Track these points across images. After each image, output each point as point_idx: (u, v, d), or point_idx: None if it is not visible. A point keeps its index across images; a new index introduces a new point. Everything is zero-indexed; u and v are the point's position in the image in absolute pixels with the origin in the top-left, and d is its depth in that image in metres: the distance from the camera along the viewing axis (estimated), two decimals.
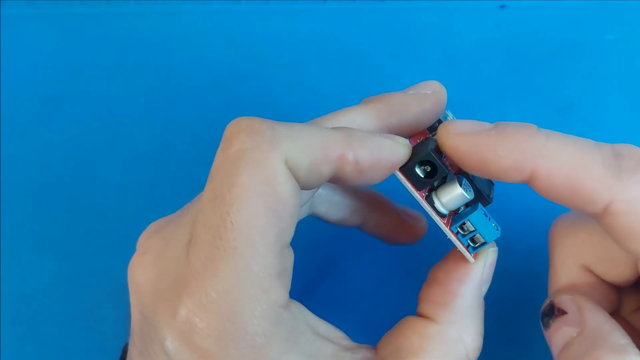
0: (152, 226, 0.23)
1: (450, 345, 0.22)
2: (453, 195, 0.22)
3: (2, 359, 0.32)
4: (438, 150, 0.22)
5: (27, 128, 0.35)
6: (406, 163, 0.22)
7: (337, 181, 0.21)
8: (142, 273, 0.21)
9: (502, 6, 0.35)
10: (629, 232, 0.20)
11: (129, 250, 0.28)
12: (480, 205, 0.22)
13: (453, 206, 0.22)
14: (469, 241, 0.23)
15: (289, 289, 0.21)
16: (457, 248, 0.23)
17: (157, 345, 0.20)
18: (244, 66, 0.36)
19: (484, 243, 0.22)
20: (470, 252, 0.23)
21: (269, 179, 0.19)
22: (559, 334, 0.22)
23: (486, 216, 0.22)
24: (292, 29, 0.36)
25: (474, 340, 0.23)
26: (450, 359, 0.22)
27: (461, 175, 0.23)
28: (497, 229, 0.22)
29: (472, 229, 0.22)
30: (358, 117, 0.23)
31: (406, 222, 0.29)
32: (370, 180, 0.21)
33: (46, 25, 0.37)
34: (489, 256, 0.23)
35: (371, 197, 0.28)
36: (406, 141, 0.22)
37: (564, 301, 0.23)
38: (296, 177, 0.20)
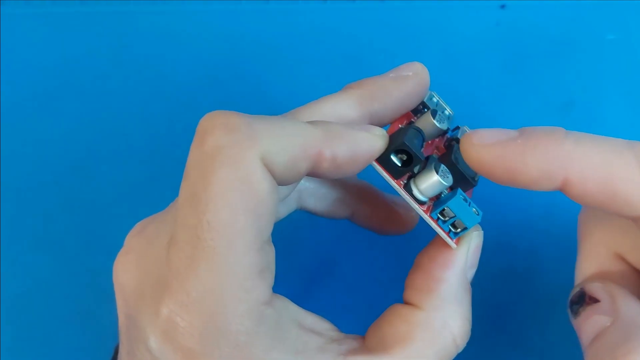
0: (138, 225, 0.23)
1: (436, 331, 0.22)
2: (430, 182, 0.22)
3: (2, 359, 0.32)
4: (416, 136, 0.22)
5: (27, 127, 0.35)
6: (383, 152, 0.22)
7: (314, 175, 0.21)
8: (125, 273, 0.22)
9: (502, 6, 0.35)
10: None
11: None
12: (459, 190, 0.22)
13: (431, 193, 0.22)
14: (450, 227, 0.22)
15: (272, 284, 0.21)
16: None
17: (141, 344, 0.20)
18: (243, 65, 0.36)
19: (465, 228, 0.22)
20: (452, 238, 0.22)
21: (246, 177, 0.19)
22: (589, 323, 0.22)
23: (466, 201, 0.22)
24: (292, 29, 0.36)
25: (460, 325, 0.22)
26: (437, 345, 0.22)
27: (441, 161, 0.23)
28: (478, 214, 0.22)
29: (452, 214, 0.22)
30: (339, 105, 0.23)
31: (396, 212, 0.28)
32: (347, 173, 0.21)
33: (46, 24, 0.37)
34: (473, 240, 0.23)
35: (360, 189, 0.28)
36: (383, 132, 0.22)
37: (595, 289, 0.22)
38: (273, 174, 0.20)
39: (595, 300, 0.22)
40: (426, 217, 0.22)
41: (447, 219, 0.22)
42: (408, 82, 0.23)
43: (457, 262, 0.22)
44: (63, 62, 0.36)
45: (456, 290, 0.22)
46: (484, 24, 0.35)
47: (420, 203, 0.22)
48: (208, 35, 0.36)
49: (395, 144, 0.21)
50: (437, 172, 0.22)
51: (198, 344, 0.19)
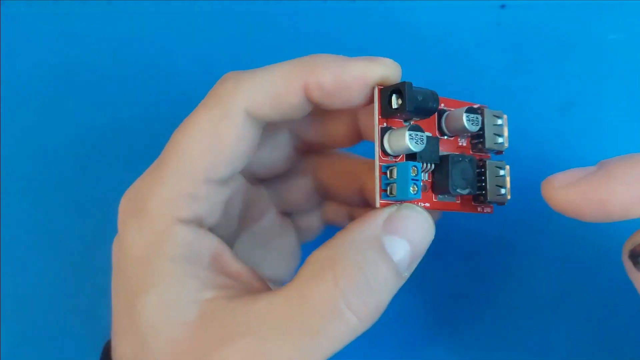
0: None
1: (319, 278, 0.20)
2: (398, 136, 0.21)
3: (2, 359, 0.32)
4: (429, 98, 0.21)
5: (27, 127, 0.35)
6: (390, 86, 0.21)
7: (319, 105, 0.22)
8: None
9: (502, 6, 0.35)
10: None
11: None
12: (419, 164, 0.21)
13: (396, 151, 0.21)
14: (388, 187, 0.21)
15: (209, 218, 0.22)
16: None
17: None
18: (244, 65, 0.36)
19: (395, 197, 0.21)
20: (382, 198, 0.21)
21: (215, 119, 0.21)
22: None
23: (414, 175, 0.21)
24: (292, 29, 0.36)
25: (348, 286, 0.19)
26: (316, 291, 0.19)
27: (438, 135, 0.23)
28: (414, 193, 0.21)
29: (394, 176, 0.21)
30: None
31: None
32: (346, 101, 0.21)
33: (46, 24, 0.37)
34: (418, 232, 0.20)
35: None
36: (389, 61, 0.22)
37: None
38: (261, 114, 0.21)
39: None
40: (377, 164, 0.21)
41: (390, 179, 0.21)
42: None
43: (369, 220, 0.20)
44: (63, 62, 0.36)
45: (356, 248, 0.20)
46: (484, 24, 0.35)
47: (385, 153, 0.22)
48: (208, 34, 0.36)
49: (397, 85, 0.21)
50: (409, 136, 0.21)
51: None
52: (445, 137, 0.24)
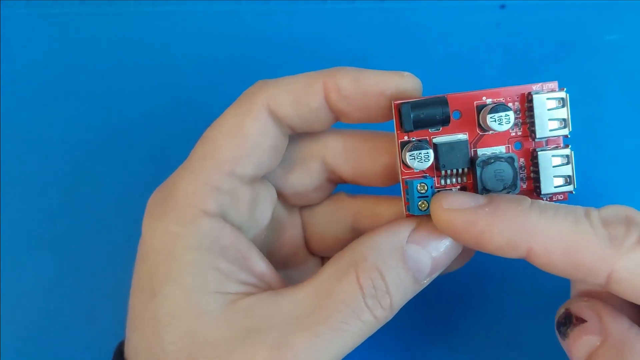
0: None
1: (342, 273, 0.21)
2: (407, 157, 0.22)
3: (2, 359, 0.32)
4: (436, 112, 0.21)
5: (27, 128, 0.35)
6: (408, 101, 0.21)
7: (334, 112, 0.23)
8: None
9: (502, 6, 0.35)
10: (638, 294, 0.20)
11: (129, 249, 0.28)
12: (430, 180, 0.22)
13: (410, 165, 0.22)
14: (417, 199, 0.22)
15: (232, 215, 0.23)
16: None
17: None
18: (244, 66, 0.36)
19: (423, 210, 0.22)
20: (407, 210, 0.22)
21: (241, 113, 0.23)
22: (580, 344, 0.21)
23: (423, 192, 0.21)
24: (292, 29, 0.36)
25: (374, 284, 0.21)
26: (340, 286, 0.20)
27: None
28: (423, 210, 0.22)
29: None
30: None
31: None
32: (364, 109, 0.22)
33: (46, 25, 0.37)
34: (441, 245, 0.22)
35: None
36: (408, 74, 0.22)
37: (581, 308, 0.22)
38: (282, 113, 0.23)
39: (582, 321, 0.22)
40: (400, 177, 0.22)
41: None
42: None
43: (395, 229, 0.21)
44: (63, 63, 0.36)
45: (380, 253, 0.21)
46: (484, 24, 0.35)
47: (407, 167, 0.22)
48: (208, 35, 0.36)
49: (415, 101, 0.21)
50: (409, 153, 0.21)
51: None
52: (491, 132, 0.22)
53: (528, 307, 0.31)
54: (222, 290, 0.21)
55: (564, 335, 0.22)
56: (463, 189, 0.23)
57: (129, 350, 0.22)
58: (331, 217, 0.27)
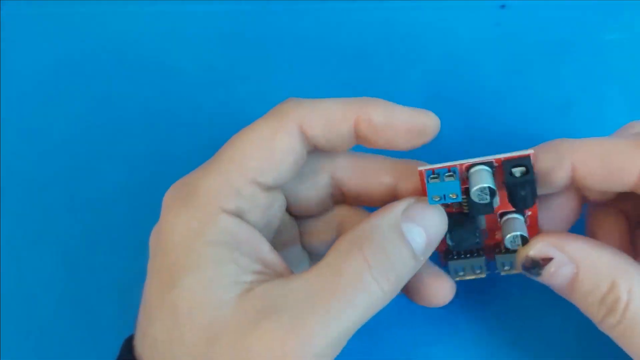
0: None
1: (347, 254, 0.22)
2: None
3: (2, 359, 0.32)
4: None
5: (27, 127, 0.35)
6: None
7: (362, 141, 0.25)
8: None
9: (502, 6, 0.35)
10: None
11: (129, 248, 0.28)
12: (443, 184, 0.23)
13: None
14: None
15: (250, 216, 0.24)
16: None
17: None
18: (243, 66, 0.36)
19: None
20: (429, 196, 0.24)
21: (273, 127, 0.24)
22: (557, 277, 0.23)
23: (437, 194, 0.23)
24: (292, 29, 0.36)
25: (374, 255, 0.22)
26: (346, 268, 0.22)
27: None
28: (435, 200, 0.23)
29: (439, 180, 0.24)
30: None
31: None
32: (392, 142, 0.24)
33: (46, 24, 0.37)
34: (430, 218, 0.23)
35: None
36: (432, 114, 0.24)
37: (540, 250, 0.24)
38: (312, 134, 0.24)
39: (548, 259, 0.23)
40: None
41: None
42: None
43: (390, 209, 0.23)
44: (63, 62, 0.36)
45: (380, 231, 0.23)
46: (484, 24, 0.35)
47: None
48: (208, 35, 0.36)
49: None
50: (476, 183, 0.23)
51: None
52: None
53: (528, 306, 0.31)
54: (238, 280, 0.22)
55: (537, 274, 0.24)
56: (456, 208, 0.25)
57: (144, 343, 0.23)
58: (322, 223, 0.29)
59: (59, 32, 0.36)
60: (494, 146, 0.25)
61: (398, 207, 0.23)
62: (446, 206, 0.24)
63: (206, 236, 0.23)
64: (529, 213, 0.25)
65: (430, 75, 0.35)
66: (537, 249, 0.24)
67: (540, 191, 0.24)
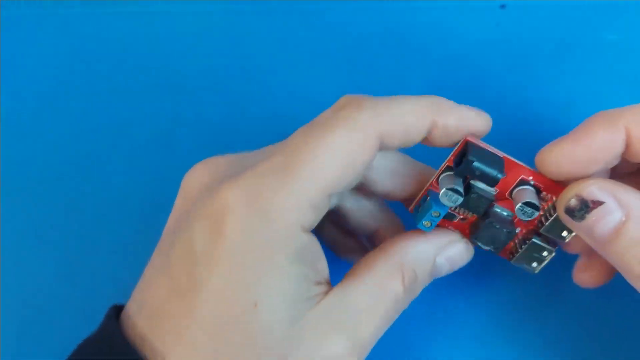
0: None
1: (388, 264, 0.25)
2: (444, 189, 0.24)
3: (2, 359, 0.32)
4: (493, 162, 0.24)
5: (27, 127, 0.35)
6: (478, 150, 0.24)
7: (426, 142, 0.25)
8: (194, 177, 0.25)
9: (502, 6, 0.35)
10: None
11: (130, 248, 0.28)
12: (444, 209, 0.24)
13: (441, 199, 0.24)
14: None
15: (316, 223, 0.24)
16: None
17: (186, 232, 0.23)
18: (244, 66, 0.36)
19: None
20: (415, 219, 0.25)
21: (355, 142, 0.23)
22: (603, 223, 0.22)
23: (436, 217, 0.24)
24: (292, 29, 0.36)
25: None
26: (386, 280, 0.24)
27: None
28: (426, 227, 0.25)
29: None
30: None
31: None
32: (452, 142, 0.25)
33: (46, 25, 0.37)
34: (455, 247, 0.26)
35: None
36: (486, 114, 0.25)
37: (593, 192, 0.23)
38: (389, 144, 0.24)
39: (599, 203, 0.23)
40: (427, 185, 0.25)
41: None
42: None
43: (429, 240, 0.26)
44: (63, 63, 0.36)
45: (417, 260, 0.25)
46: (484, 24, 0.35)
47: (437, 182, 0.25)
48: (209, 35, 0.36)
49: (481, 153, 0.24)
50: (446, 189, 0.24)
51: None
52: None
53: (528, 306, 0.31)
54: (310, 295, 0.23)
55: (581, 218, 0.23)
56: (464, 225, 0.26)
57: None
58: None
59: (59, 33, 0.36)
60: (493, 146, 0.25)
61: (438, 243, 0.26)
62: (462, 220, 0.26)
63: (286, 255, 0.23)
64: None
65: (430, 75, 0.35)
66: (590, 191, 0.23)
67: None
